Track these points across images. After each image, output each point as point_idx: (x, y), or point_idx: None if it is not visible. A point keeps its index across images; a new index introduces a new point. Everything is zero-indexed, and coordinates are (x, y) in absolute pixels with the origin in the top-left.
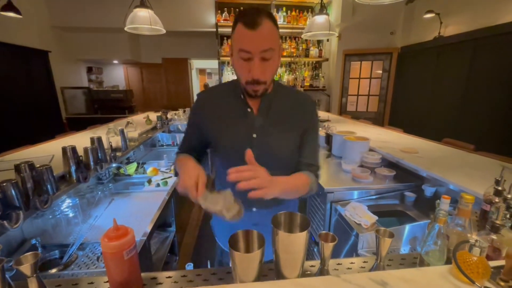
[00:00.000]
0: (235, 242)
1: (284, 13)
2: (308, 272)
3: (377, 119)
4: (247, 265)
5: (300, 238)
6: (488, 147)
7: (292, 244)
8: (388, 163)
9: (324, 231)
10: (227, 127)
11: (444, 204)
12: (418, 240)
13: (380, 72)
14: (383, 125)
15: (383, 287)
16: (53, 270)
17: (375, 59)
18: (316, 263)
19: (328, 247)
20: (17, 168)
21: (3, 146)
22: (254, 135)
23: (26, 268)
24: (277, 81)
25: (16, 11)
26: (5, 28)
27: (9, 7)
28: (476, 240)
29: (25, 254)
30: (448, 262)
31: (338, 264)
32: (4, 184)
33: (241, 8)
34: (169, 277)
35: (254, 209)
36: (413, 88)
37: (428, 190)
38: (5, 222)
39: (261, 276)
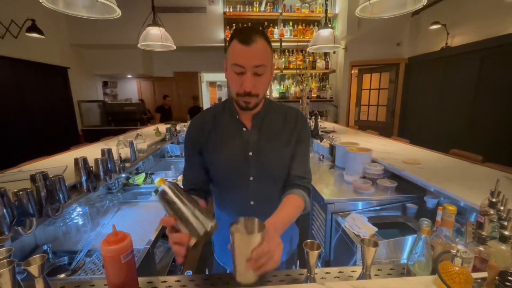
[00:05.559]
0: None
1: (291, 27)
2: (296, 280)
3: (386, 130)
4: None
5: (255, 239)
6: (498, 158)
7: (247, 246)
8: (392, 175)
9: (309, 240)
10: (224, 147)
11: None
12: None
13: (387, 83)
14: (391, 135)
15: None
16: (61, 275)
17: (382, 70)
18: (305, 271)
19: (313, 255)
20: (33, 178)
21: (22, 157)
22: (250, 153)
23: (33, 269)
24: (267, 98)
25: (40, 32)
26: (29, 47)
27: (33, 28)
28: (458, 250)
29: (33, 256)
30: (434, 272)
31: (327, 273)
32: (20, 192)
33: (249, 23)
34: (164, 281)
35: None
36: (421, 99)
37: (430, 202)
38: (19, 228)
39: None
